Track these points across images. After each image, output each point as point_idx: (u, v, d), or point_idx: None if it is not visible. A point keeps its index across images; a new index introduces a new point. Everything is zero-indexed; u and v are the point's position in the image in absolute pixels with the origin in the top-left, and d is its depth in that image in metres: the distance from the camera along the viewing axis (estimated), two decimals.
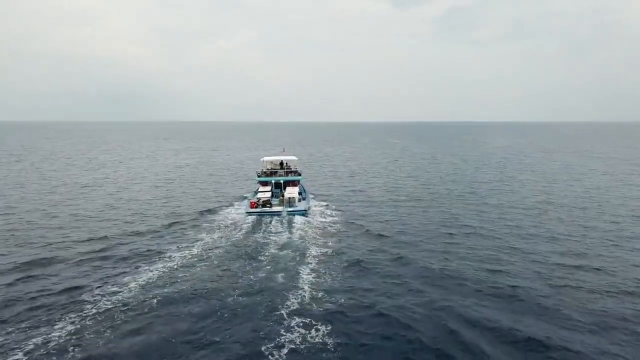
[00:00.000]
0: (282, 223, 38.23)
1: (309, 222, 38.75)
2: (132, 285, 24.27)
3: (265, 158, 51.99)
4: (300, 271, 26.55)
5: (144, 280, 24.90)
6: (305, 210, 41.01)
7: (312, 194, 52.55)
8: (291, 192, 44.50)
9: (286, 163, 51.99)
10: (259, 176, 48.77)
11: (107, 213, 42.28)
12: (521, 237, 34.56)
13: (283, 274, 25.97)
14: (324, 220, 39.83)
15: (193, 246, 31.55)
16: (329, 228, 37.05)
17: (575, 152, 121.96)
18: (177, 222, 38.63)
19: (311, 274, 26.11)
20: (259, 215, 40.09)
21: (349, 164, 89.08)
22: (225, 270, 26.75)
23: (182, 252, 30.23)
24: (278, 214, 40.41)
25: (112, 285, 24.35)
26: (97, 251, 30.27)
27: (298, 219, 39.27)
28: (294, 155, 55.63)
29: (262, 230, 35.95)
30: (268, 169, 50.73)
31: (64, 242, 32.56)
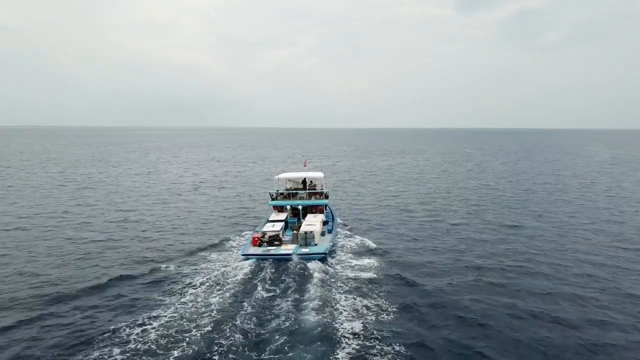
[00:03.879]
0: (289, 274, 25.80)
1: (330, 273, 26.05)
2: None
3: (283, 175, 39.77)
4: None
5: None
6: (325, 254, 28.20)
7: (347, 224, 39.46)
8: (311, 223, 32.00)
9: (310, 181, 39.63)
10: (272, 199, 36.76)
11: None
12: None
13: None
14: (354, 270, 26.86)
15: (148, 320, 20.14)
16: (360, 286, 24.28)
17: None
18: (152, 270, 27.18)
19: None
20: (258, 259, 27.90)
21: (409, 185, 66.76)
22: None
23: (128, 334, 18.67)
24: (286, 258, 27.96)
25: None
26: None
27: (314, 267, 26.67)
28: (320, 171, 42.75)
29: (256, 289, 23.79)
30: (286, 189, 38.76)
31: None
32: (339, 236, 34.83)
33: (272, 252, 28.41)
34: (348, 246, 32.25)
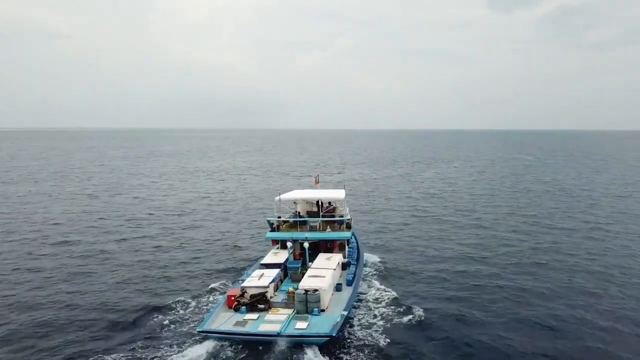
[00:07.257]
0: None
1: None
2: None
3: (288, 195, 28.47)
4: None
5: None
6: (330, 337, 16.47)
7: (382, 267, 27.23)
8: (318, 273, 20.76)
9: (328, 204, 28.27)
10: (272, 229, 25.87)
11: None
12: None
13: None
14: None
15: None
16: None
17: None
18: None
19: None
20: (221, 339, 17.10)
21: (474, 210, 46.35)
22: None
23: None
24: (266, 340, 16.87)
25: None
26: None
27: (313, 357, 15.50)
28: (343, 188, 30.74)
29: None
30: (294, 214, 27.95)
31: None
32: (367, 284, 23.55)
33: (247, 327, 17.46)
34: (379, 307, 20.67)
